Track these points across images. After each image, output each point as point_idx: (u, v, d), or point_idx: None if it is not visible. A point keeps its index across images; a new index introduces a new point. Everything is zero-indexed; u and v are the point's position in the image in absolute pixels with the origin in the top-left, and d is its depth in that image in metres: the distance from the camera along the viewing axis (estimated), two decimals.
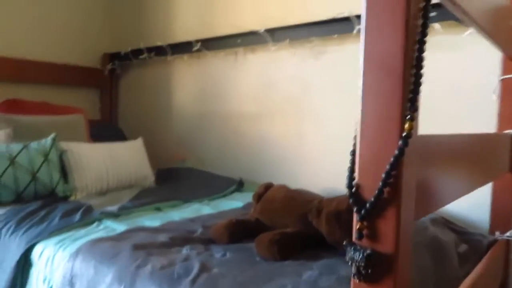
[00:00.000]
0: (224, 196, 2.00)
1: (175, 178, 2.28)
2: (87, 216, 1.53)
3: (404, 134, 0.54)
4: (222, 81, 2.45)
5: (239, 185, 2.13)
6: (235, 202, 1.83)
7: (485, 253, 1.24)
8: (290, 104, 2.15)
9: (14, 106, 2.24)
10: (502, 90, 1.37)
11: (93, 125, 2.58)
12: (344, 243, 0.57)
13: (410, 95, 0.55)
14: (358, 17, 1.79)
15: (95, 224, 1.47)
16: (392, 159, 0.54)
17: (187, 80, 2.65)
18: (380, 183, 0.54)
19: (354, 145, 0.61)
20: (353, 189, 0.58)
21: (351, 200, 0.57)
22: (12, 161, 1.76)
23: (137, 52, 2.78)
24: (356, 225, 0.57)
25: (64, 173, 1.93)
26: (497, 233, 1.34)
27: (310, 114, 2.08)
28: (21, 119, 2.08)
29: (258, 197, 1.36)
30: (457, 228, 1.37)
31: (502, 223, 1.36)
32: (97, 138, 2.44)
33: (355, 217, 0.57)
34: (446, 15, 1.47)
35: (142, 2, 2.88)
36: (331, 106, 2.00)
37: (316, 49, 2.03)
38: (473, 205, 1.55)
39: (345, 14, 1.83)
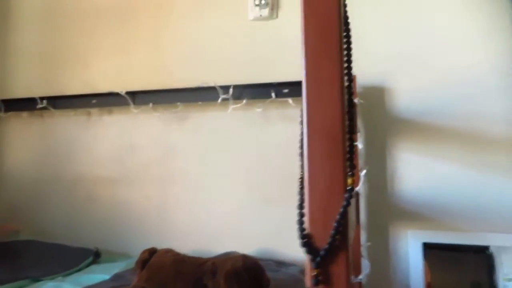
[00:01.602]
0: (80, 270, 1.78)
1: (11, 254, 1.92)
2: None
3: (348, 188, 0.65)
4: (72, 143, 2.26)
5: (96, 256, 1.92)
6: (98, 276, 1.63)
7: None
8: (153, 168, 2.12)
9: None
10: None
11: None
12: None
13: (348, 156, 0.67)
14: (223, 87, 1.96)
15: None
16: (341, 209, 0.63)
17: (26, 140, 2.34)
18: (332, 231, 0.63)
19: (301, 199, 0.69)
20: (305, 239, 0.65)
21: (305, 249, 0.64)
22: None
23: None
24: (311, 272, 0.63)
25: None
26: (352, 277, 1.57)
27: (175, 177, 2.08)
28: None
29: (143, 263, 1.28)
30: None
31: (354, 267, 1.60)
32: None
33: (310, 265, 0.63)
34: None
35: None
36: (196, 168, 2.06)
37: (180, 114, 2.10)
38: None
39: (211, 84, 1.98)
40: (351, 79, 0.72)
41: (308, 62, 0.67)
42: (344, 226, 0.64)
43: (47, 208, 2.24)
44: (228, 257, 1.20)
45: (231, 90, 1.95)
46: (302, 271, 1.50)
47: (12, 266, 1.74)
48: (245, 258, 1.15)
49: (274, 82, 1.91)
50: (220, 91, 1.97)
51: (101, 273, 1.67)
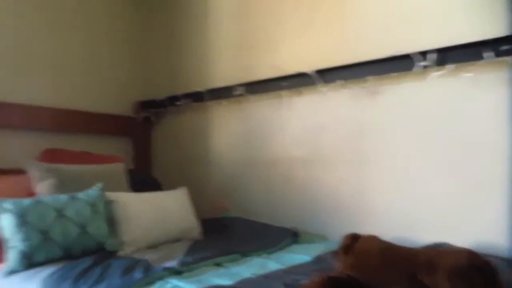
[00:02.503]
0: (281, 248, 1.84)
1: (222, 229, 2.14)
2: (149, 273, 1.38)
3: None
4: (267, 126, 2.36)
5: (294, 236, 1.97)
6: (300, 256, 1.66)
7: None
8: (345, 148, 2.04)
9: (55, 155, 2.15)
10: None
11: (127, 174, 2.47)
12: None
13: None
14: (419, 54, 1.72)
15: (158, 284, 1.32)
16: None
17: (227, 126, 2.57)
18: None
19: None
20: None
21: None
22: (60, 213, 1.63)
23: (173, 99, 2.73)
24: None
25: (112, 224, 1.80)
26: None
27: (368, 157, 1.96)
28: (64, 168, 1.98)
29: (346, 249, 1.21)
30: None
31: None
32: (134, 188, 2.33)
33: None
34: None
35: (178, 48, 2.86)
36: (391, 147, 1.89)
37: (370, 89, 1.95)
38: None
39: (405, 52, 1.76)
40: None
41: None
42: None
43: (248, 188, 2.41)
44: (445, 251, 1.03)
45: (432, 55, 1.70)
46: None
47: (223, 240, 1.92)
48: (471, 254, 0.96)
49: (489, 39, 1.57)
50: (417, 58, 1.73)
51: (301, 254, 1.69)
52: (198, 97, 2.61)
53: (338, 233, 1.84)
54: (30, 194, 1.86)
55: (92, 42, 2.75)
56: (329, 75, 2.05)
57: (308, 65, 2.12)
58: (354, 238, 1.24)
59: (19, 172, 1.96)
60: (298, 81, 2.16)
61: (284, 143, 2.27)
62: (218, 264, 1.57)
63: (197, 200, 2.30)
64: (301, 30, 2.22)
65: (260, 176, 2.36)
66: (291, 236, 1.94)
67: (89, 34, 2.73)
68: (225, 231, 2.09)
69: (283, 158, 2.27)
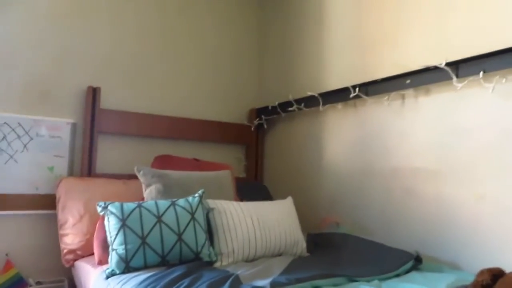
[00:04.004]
0: (398, 275, 1.53)
1: (329, 246, 1.90)
2: None
3: None
4: (386, 131, 2.05)
5: (416, 261, 1.63)
6: (418, 287, 1.33)
7: None
8: (487, 157, 1.62)
9: (167, 161, 2.19)
10: None
11: (237, 182, 2.41)
12: None
13: None
14: None
15: None
16: None
17: (341, 132, 2.32)
18: None
19: None
20: None
21: None
22: (159, 219, 1.61)
23: (285, 105, 2.60)
24: None
25: (210, 233, 1.71)
26: None
27: None
28: (171, 174, 1.99)
29: None
30: None
31: None
32: (243, 197, 2.24)
33: None
34: None
35: (291, 52, 2.73)
36: None
37: None
38: None
39: None
40: None
41: None
42: None
43: (362, 201, 2.12)
44: None
45: None
46: None
47: (329, 260, 1.68)
48: None
49: None
50: None
51: (423, 285, 1.36)
52: (311, 102, 2.42)
53: (473, 262, 1.55)
54: (141, 199, 1.90)
55: (215, 51, 2.80)
56: (465, 67, 1.67)
57: (438, 58, 1.77)
58: (495, 275, 0.90)
59: (134, 177, 2.03)
60: (425, 77, 1.83)
61: (407, 151, 1.94)
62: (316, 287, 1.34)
63: (305, 212, 2.10)
64: (429, 20, 1.88)
65: (377, 188, 2.05)
66: (412, 261, 1.60)
67: (213, 43, 2.79)
68: (333, 249, 1.85)
69: (405, 168, 1.93)
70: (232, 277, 1.36)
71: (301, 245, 1.85)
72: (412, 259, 1.61)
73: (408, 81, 1.90)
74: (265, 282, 1.32)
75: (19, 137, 2.06)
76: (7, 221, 1.99)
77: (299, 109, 2.50)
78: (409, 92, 1.94)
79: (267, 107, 2.77)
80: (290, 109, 2.55)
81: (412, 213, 1.87)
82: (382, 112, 2.08)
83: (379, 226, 2.01)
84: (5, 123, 2.03)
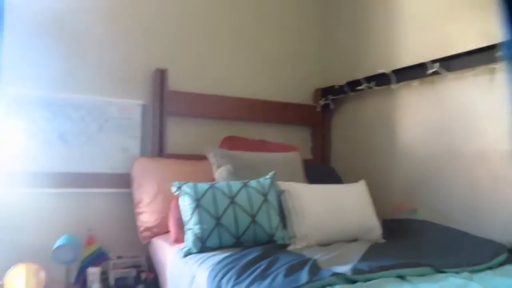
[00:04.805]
0: (490, 268, 1.40)
1: (407, 234, 1.79)
2: (315, 276, 1.19)
3: None
4: (470, 110, 1.88)
5: (510, 254, 1.49)
6: None
7: None
8: None
9: (234, 143, 2.18)
10: None
11: (304, 165, 2.34)
12: None
13: None
14: None
15: None
16: None
17: (417, 112, 2.17)
18: None
19: None
20: None
21: None
22: (232, 200, 1.59)
23: (353, 84, 2.48)
24: None
25: (282, 216, 1.68)
26: None
27: None
28: (241, 155, 1.98)
29: None
30: None
31: None
32: (310, 179, 2.18)
33: None
34: None
35: (359, 28, 2.58)
36: None
37: None
38: None
39: None
40: None
41: None
42: None
43: (443, 186, 1.98)
44: None
45: None
46: None
47: (409, 248, 1.59)
48: None
49: None
50: None
51: None
52: (382, 80, 2.29)
53: None
54: (211, 179, 1.91)
55: (280, 31, 2.74)
56: None
57: None
58: None
59: (202, 158, 2.04)
60: None
61: (495, 133, 1.77)
62: (401, 277, 1.27)
63: (378, 197, 2.00)
64: None
65: (460, 172, 1.90)
66: (506, 254, 1.46)
67: (278, 22, 2.73)
68: (412, 237, 1.74)
69: (493, 151, 1.77)
70: (310, 261, 1.32)
71: (377, 231, 1.77)
72: (505, 251, 1.48)
73: (498, 54, 1.71)
74: (346, 268, 1.27)
75: (94, 119, 2.13)
76: (88, 198, 2.08)
77: (369, 87, 2.38)
78: (500, 66, 1.75)
79: (333, 86, 2.66)
80: (358, 88, 2.43)
81: (503, 201, 1.71)
82: (465, 89, 1.91)
83: (463, 215, 1.86)
84: (81, 105, 2.10)
